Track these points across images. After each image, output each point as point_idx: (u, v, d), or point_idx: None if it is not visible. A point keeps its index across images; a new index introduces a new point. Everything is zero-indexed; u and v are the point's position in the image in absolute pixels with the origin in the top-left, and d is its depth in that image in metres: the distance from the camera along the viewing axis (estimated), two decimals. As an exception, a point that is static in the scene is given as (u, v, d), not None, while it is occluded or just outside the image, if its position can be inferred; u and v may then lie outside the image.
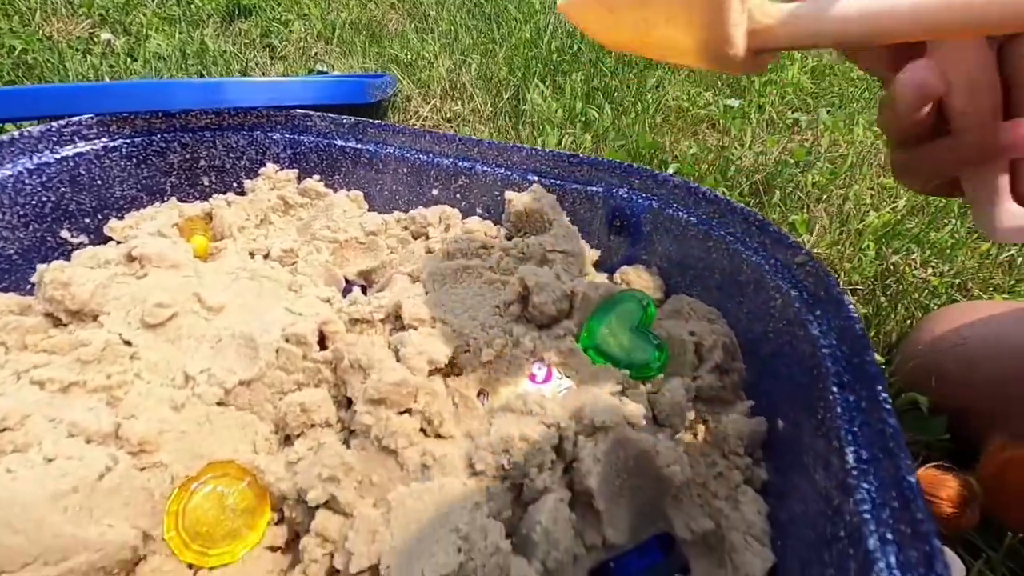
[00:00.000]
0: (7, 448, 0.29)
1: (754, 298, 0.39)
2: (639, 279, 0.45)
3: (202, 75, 1.16)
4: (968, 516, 0.41)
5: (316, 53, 1.29)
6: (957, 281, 0.66)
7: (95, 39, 1.28)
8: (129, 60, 1.17)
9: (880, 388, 0.27)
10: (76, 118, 0.49)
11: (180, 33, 1.32)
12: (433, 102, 1.08)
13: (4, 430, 0.29)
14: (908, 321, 0.61)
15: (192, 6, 1.47)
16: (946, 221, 0.77)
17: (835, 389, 0.30)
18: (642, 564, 0.32)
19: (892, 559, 0.23)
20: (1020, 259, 0.70)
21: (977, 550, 0.42)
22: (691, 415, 0.37)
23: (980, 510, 0.43)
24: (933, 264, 0.69)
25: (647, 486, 0.34)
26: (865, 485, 0.25)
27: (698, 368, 0.39)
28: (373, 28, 1.44)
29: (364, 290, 0.47)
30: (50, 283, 0.38)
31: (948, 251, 0.71)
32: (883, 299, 0.63)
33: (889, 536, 0.23)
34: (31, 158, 0.47)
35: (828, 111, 1.04)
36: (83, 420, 0.32)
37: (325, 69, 1.19)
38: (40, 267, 0.40)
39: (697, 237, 0.43)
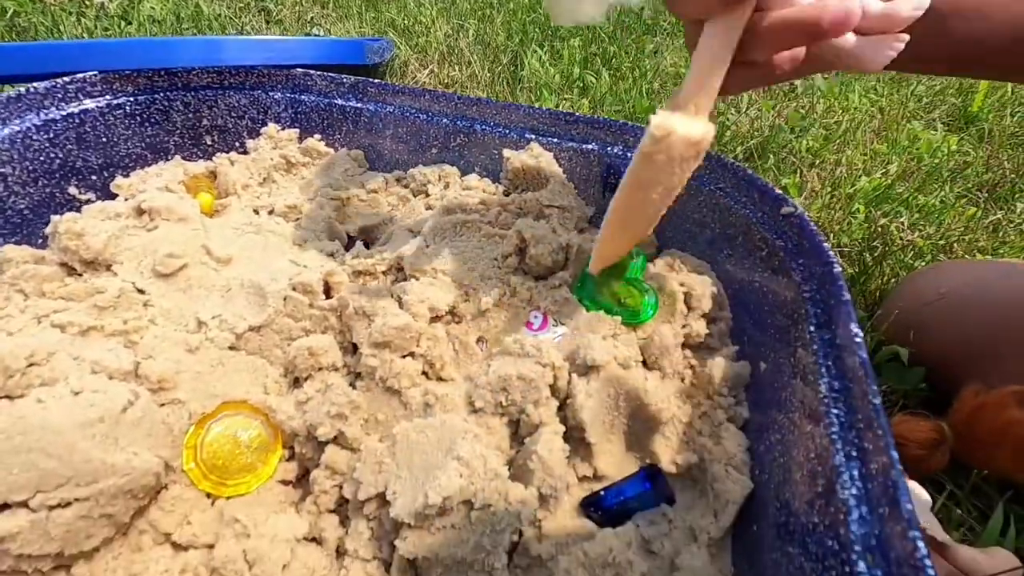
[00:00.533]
0: (35, 382, 0.31)
1: (742, 250, 0.41)
2: (632, 234, 0.47)
3: (197, 39, 1.15)
4: (938, 458, 0.44)
5: (312, 17, 1.28)
6: (942, 243, 0.68)
7: (88, 2, 1.26)
8: (123, 23, 1.16)
9: (853, 325, 0.29)
10: (81, 75, 0.50)
11: (174, -4, 1.30)
12: (431, 67, 1.07)
13: (31, 365, 0.31)
14: (892, 280, 0.63)
15: (185, -32, 1.44)
16: (935, 186, 0.78)
17: (812, 329, 0.32)
18: (630, 492, 0.34)
19: (855, 472, 0.25)
20: (1005, 222, 0.72)
21: (944, 488, 0.45)
22: (680, 360, 0.39)
23: (950, 453, 0.45)
24: (920, 227, 0.71)
25: (636, 422, 0.36)
26: (835, 411, 0.27)
27: (687, 316, 0.41)
28: (369, -9, 1.41)
29: (367, 245, 0.49)
30: (64, 233, 0.40)
31: (935, 214, 0.72)
32: (869, 259, 0.65)
33: (853, 453, 0.25)
34: (38, 114, 0.48)
35: (824, 76, 1.04)
36: (104, 358, 0.34)
37: (321, 33, 1.18)
38: (54, 218, 0.42)
39: (688, 193, 0.45)
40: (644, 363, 0.39)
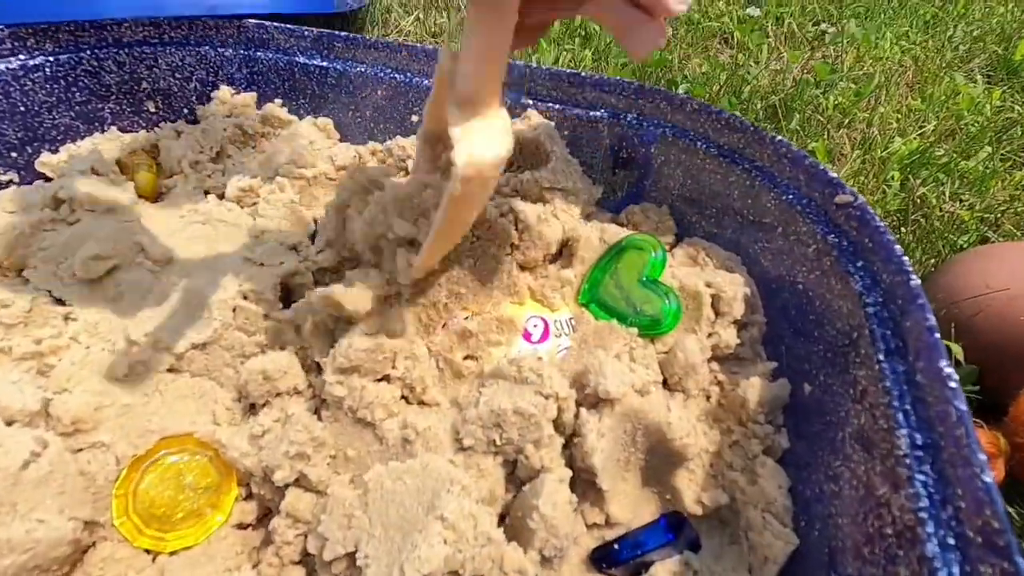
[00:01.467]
0: (-92, 436, 0.25)
1: (781, 243, 0.34)
2: (647, 220, 0.40)
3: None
4: (994, 473, 0.38)
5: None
6: (988, 216, 0.61)
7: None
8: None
9: (943, 363, 0.22)
10: (-18, 30, 0.41)
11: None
12: (416, 13, 0.97)
13: (-99, 415, 0.25)
14: (934, 261, 0.57)
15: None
16: (979, 147, 0.70)
17: (881, 356, 0.25)
18: (650, 545, 0.29)
19: (955, 570, 0.19)
20: (1056, 191, 0.65)
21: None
22: (706, 376, 0.33)
23: (1007, 466, 0.40)
24: (963, 197, 0.64)
25: (655, 456, 0.31)
26: (920, 476, 0.21)
27: (715, 323, 0.35)
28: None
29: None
30: (-39, 233, 0.33)
31: (980, 182, 0.65)
32: (908, 236, 0.58)
33: (951, 542, 0.19)
34: (-68, 80, 0.40)
35: (856, 22, 0.94)
36: (5, 398, 0.27)
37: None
38: (-52, 214, 0.34)
39: (717, 171, 0.37)
40: (664, 382, 0.33)
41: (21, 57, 0.43)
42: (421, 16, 0.97)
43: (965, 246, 0.58)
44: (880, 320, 0.27)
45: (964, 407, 0.21)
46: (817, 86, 0.76)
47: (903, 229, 0.59)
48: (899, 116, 0.75)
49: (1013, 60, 0.88)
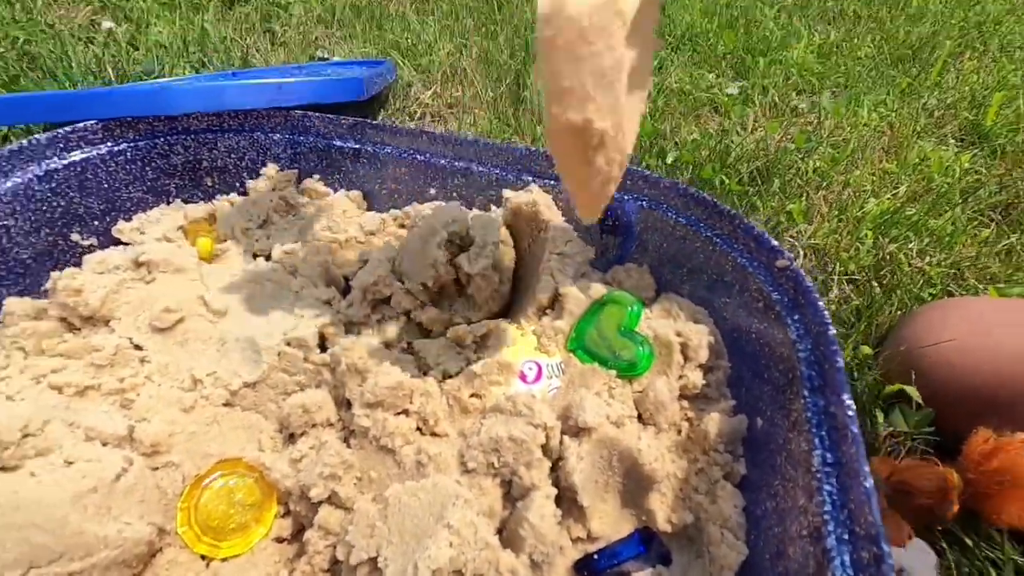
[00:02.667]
0: (30, 453, 0.31)
1: (739, 299, 0.41)
2: (630, 279, 0.47)
3: (203, 63, 1.17)
4: (946, 508, 0.43)
5: (316, 38, 1.29)
6: (954, 271, 0.67)
7: (96, 26, 1.28)
8: (131, 49, 1.18)
9: (846, 396, 0.28)
10: (82, 124, 0.50)
11: (181, 19, 1.32)
12: (434, 88, 1.08)
13: (27, 436, 0.31)
14: (901, 311, 0.62)
15: (192, -11, 1.46)
16: (946, 208, 0.77)
17: (806, 393, 0.31)
18: (625, 555, 0.34)
19: (846, 558, 0.24)
20: (1019, 246, 0.70)
21: (953, 540, 0.43)
22: (676, 413, 0.39)
23: (960, 501, 0.44)
24: (931, 253, 0.69)
25: (631, 481, 0.36)
26: (827, 487, 0.27)
27: (684, 367, 0.41)
28: (373, 10, 1.42)
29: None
30: (63, 290, 0.40)
31: (947, 239, 0.71)
32: (878, 289, 0.64)
33: (845, 536, 0.25)
34: (40, 165, 0.48)
35: (833, 92, 1.03)
36: (99, 424, 0.34)
37: (326, 55, 1.19)
38: (54, 274, 0.42)
39: (687, 238, 0.44)
40: (639, 417, 0.38)
41: (108, 144, 0.52)
42: (439, 90, 1.07)
43: (930, 298, 0.63)
44: (807, 363, 0.32)
45: (857, 430, 0.26)
46: (797, 152, 0.84)
47: (874, 283, 0.65)
48: (874, 179, 0.82)
49: (983, 125, 0.95)
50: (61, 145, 0.50)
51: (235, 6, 1.42)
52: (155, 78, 1.05)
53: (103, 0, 1.39)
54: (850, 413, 0.27)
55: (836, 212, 0.75)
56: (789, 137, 0.88)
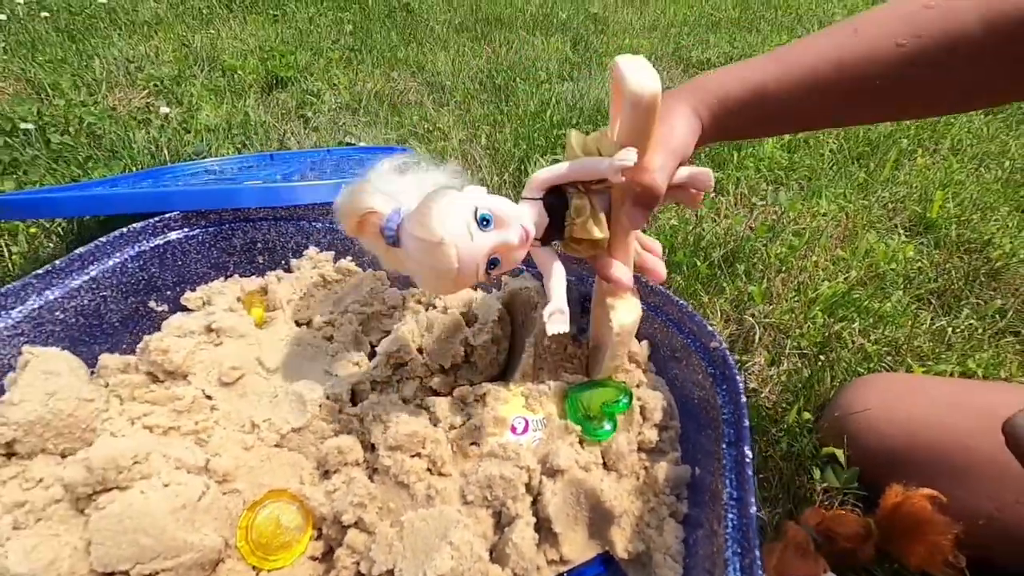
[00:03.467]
0: (137, 476, 0.41)
1: (686, 371, 0.51)
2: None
3: (244, 144, 1.33)
4: (865, 551, 0.51)
5: (344, 123, 1.45)
6: (888, 351, 0.77)
7: (151, 108, 1.46)
8: (183, 131, 1.34)
9: (747, 447, 0.38)
10: (168, 214, 0.63)
11: (226, 104, 1.50)
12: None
13: (136, 463, 0.41)
14: (842, 382, 0.72)
15: (235, 77, 1.66)
16: (890, 292, 0.88)
17: (725, 446, 0.41)
18: (588, 575, 0.43)
19: (737, 564, 0.34)
20: (950, 328, 0.81)
21: (871, 577, 0.52)
22: (635, 462, 0.49)
23: (876, 547, 0.53)
24: (872, 332, 0.80)
25: (596, 515, 0.45)
26: (731, 514, 0.37)
27: (642, 425, 0.51)
28: (395, 98, 1.60)
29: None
30: (154, 350, 0.51)
31: (887, 320, 0.82)
32: (824, 363, 0.74)
33: (738, 549, 0.34)
34: (134, 247, 0.61)
35: (800, 184, 1.17)
36: (184, 456, 0.44)
37: (353, 141, 1.35)
38: (146, 337, 0.53)
39: (647, 319, 0.55)
40: (604, 464, 0.48)
41: (185, 230, 0.65)
42: (451, 174, 1.22)
43: (865, 372, 0.73)
44: (727, 423, 0.43)
45: (751, 473, 0.37)
46: (759, 240, 0.96)
47: (821, 357, 0.76)
48: (828, 264, 0.94)
49: (929, 217, 1.08)
50: (151, 231, 0.62)
51: (273, 92, 1.61)
52: (203, 158, 1.20)
53: (157, 84, 1.57)
54: (748, 459, 0.37)
55: (793, 293, 0.87)
56: (752, 228, 1.01)
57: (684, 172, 0.44)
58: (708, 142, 0.44)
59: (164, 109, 1.40)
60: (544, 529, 0.45)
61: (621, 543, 0.45)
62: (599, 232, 0.42)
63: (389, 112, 1.51)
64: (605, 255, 0.44)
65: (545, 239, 0.43)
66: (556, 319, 0.41)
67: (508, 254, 0.39)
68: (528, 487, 0.45)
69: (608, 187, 0.42)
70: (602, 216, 0.43)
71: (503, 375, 0.59)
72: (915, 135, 1.41)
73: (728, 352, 0.46)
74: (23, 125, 1.18)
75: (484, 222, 0.37)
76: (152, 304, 0.63)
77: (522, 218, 0.39)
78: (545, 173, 0.41)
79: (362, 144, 1.34)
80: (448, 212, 0.36)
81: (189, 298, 0.64)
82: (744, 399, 0.42)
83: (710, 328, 0.49)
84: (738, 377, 0.44)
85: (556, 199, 0.41)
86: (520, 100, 1.57)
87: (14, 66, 1.56)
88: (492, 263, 0.39)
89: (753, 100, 0.40)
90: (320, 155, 1.19)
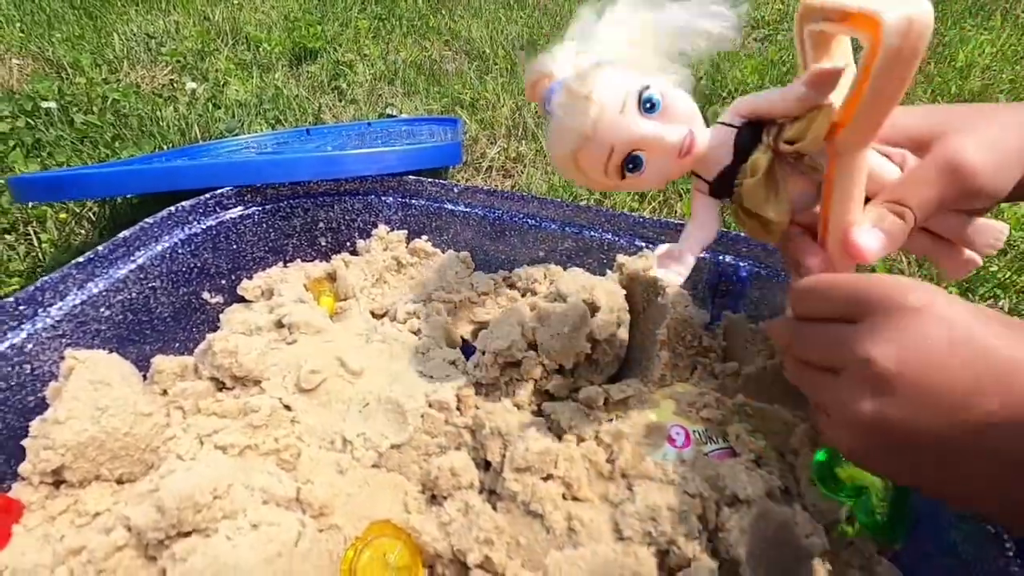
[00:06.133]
0: (218, 515, 0.33)
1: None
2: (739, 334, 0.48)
3: (278, 120, 1.23)
4: None
5: (382, 95, 1.35)
6: None
7: (176, 85, 1.37)
8: (212, 106, 1.25)
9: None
10: (220, 190, 0.54)
11: (254, 78, 1.40)
12: (500, 143, 1.12)
13: (216, 498, 0.33)
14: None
15: (261, 49, 1.56)
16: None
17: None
18: (786, 631, 0.34)
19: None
20: None
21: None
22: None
23: None
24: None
25: (786, 555, 0.36)
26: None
27: (819, 435, 0.41)
28: (432, 68, 1.49)
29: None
30: (220, 352, 0.43)
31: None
32: None
33: None
34: (183, 229, 0.52)
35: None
36: (270, 486, 0.36)
37: (394, 112, 1.25)
38: (209, 336, 0.45)
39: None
40: (786, 489, 0.39)
41: (240, 208, 0.56)
42: (504, 144, 1.12)
43: None
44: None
45: None
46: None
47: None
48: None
49: None
50: (201, 210, 0.53)
51: (302, 64, 1.51)
52: (236, 135, 1.11)
53: (180, 60, 1.48)
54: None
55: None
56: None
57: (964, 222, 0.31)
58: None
59: (191, 85, 1.31)
60: (725, 570, 0.35)
61: (814, 586, 0.35)
62: (772, 212, 0.31)
63: (428, 82, 1.41)
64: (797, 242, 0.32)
65: (716, 189, 0.32)
66: (668, 263, 0.32)
67: (656, 157, 0.29)
68: (701, 519, 0.36)
69: (809, 160, 0.30)
70: (783, 193, 0.31)
71: (620, 373, 0.49)
72: (1011, 89, 1.27)
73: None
74: (44, 104, 1.10)
75: (648, 105, 0.28)
76: (206, 295, 0.54)
77: (695, 124, 0.29)
78: (751, 101, 0.30)
79: (404, 116, 1.23)
80: (613, 76, 0.28)
81: (247, 287, 0.55)
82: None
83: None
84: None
85: (753, 139, 0.31)
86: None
87: (32, 44, 1.47)
88: (633, 161, 0.29)
89: None
90: (359, 128, 1.10)
